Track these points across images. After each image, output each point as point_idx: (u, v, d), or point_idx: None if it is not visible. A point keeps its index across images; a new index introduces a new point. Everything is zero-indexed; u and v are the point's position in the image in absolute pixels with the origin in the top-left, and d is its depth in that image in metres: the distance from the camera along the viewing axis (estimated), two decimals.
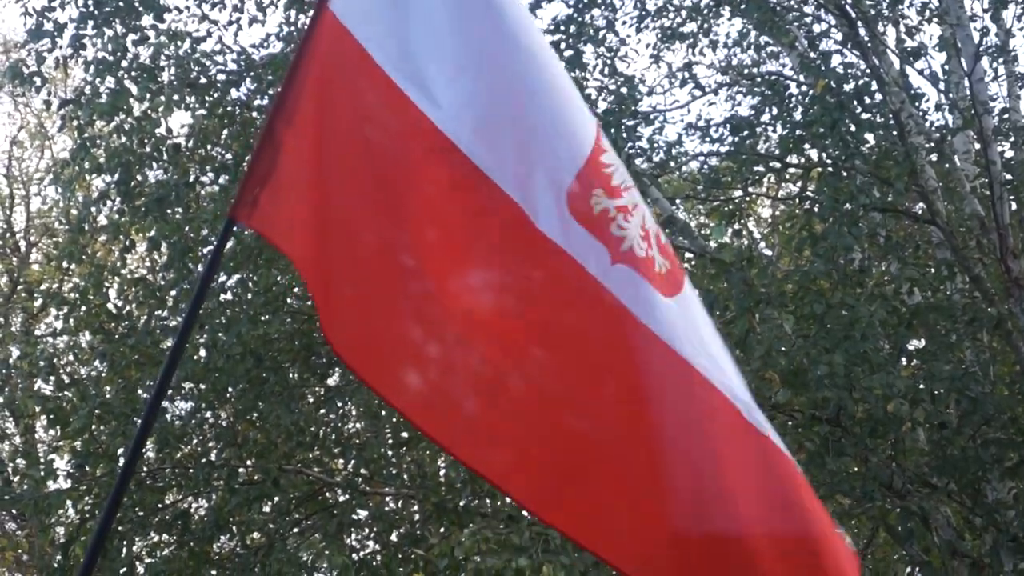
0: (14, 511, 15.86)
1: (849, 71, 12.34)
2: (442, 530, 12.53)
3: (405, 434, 13.05)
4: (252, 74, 13.27)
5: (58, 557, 12.99)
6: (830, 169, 11.83)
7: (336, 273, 3.90)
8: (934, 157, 12.96)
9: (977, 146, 12.85)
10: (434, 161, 4.00)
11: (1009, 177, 12.43)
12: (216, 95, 13.15)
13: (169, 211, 12.54)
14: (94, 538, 4.35)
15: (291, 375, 12.85)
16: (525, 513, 11.37)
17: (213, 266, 4.35)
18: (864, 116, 11.77)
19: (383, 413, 13.17)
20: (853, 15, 12.32)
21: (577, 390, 3.93)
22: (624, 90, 12.66)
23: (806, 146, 12.61)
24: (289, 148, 3.94)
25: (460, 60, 4.12)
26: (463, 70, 4.11)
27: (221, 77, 13.32)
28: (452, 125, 4.01)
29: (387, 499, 13.71)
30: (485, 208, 3.98)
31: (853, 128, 11.55)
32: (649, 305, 3.93)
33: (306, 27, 4.12)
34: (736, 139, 13.27)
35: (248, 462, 12.62)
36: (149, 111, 12.76)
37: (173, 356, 4.21)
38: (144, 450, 12.33)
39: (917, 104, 12.80)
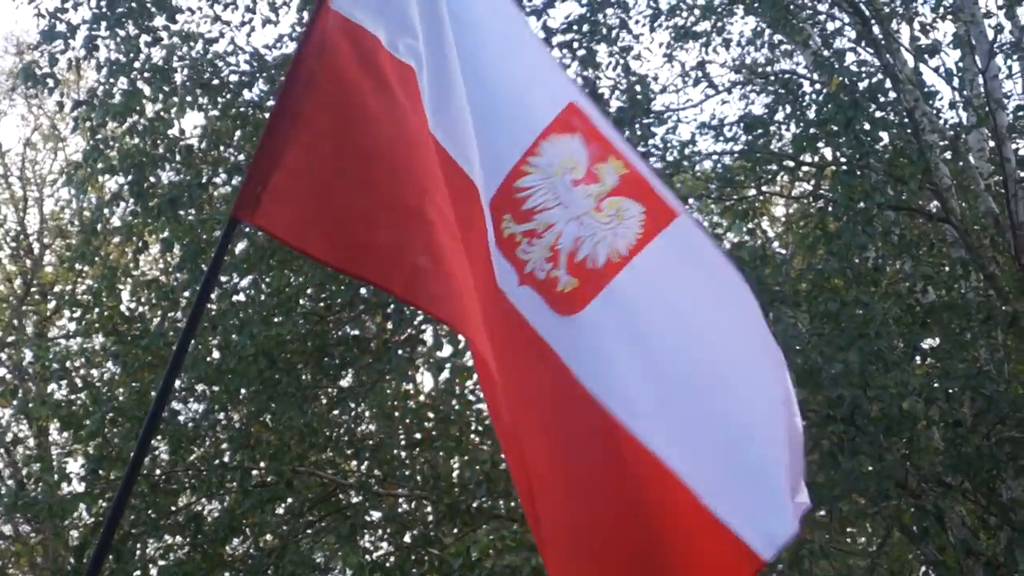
0: (28, 514, 15.85)
1: (863, 69, 12.30)
2: (455, 531, 12.51)
3: (418, 435, 13.05)
4: (265, 75, 13.26)
5: (71, 560, 12.99)
6: (844, 168, 11.79)
7: (362, 251, 3.93)
8: (948, 155, 12.92)
9: (991, 144, 12.81)
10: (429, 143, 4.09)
11: (1023, 175, 12.38)
12: (228, 96, 13.14)
13: (182, 212, 12.54)
14: (101, 538, 4.35)
15: (304, 376, 12.82)
16: None
17: (216, 266, 4.34)
18: (878, 114, 11.73)
19: (396, 414, 13.17)
20: (867, 13, 12.29)
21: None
22: (637, 89, 12.61)
23: (820, 145, 12.57)
24: (294, 145, 3.94)
25: (434, 61, 4.22)
26: (439, 71, 4.20)
27: (234, 78, 13.31)
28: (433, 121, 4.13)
29: (400, 500, 13.69)
30: (472, 215, 4.09)
31: (867, 126, 11.51)
32: (548, 323, 4.11)
33: (307, 23, 4.13)
34: (750, 138, 13.22)
35: (261, 464, 12.61)
36: (162, 112, 12.77)
37: (178, 354, 4.21)
38: (156, 452, 12.35)
39: (931, 102, 12.75)
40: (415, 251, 3.88)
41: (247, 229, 12.34)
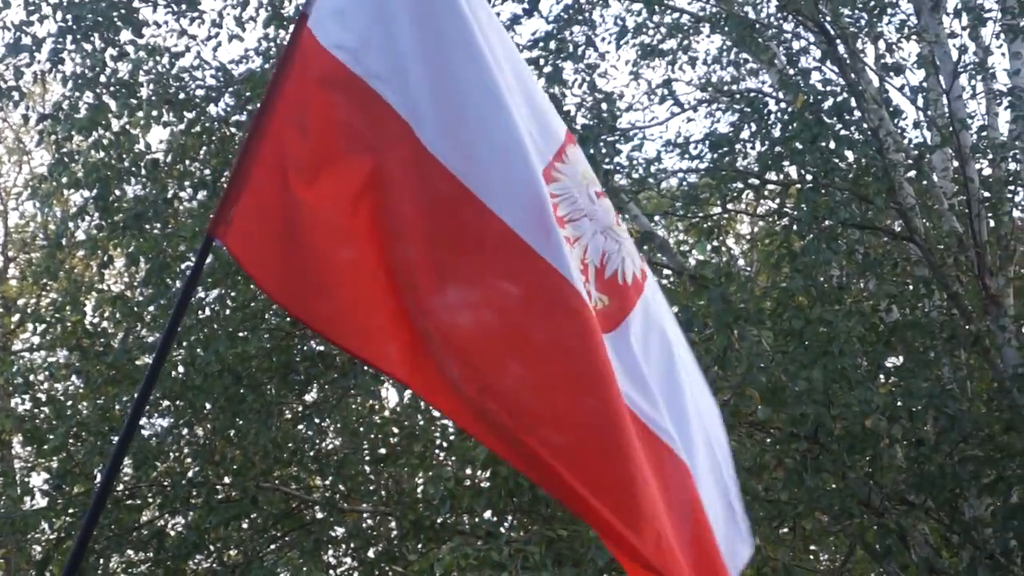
0: None
1: (828, 87, 12.35)
2: (420, 547, 12.49)
3: (383, 451, 13.03)
4: (231, 90, 13.24)
5: (33, 575, 12.93)
6: (809, 185, 11.83)
7: (311, 289, 3.92)
8: (912, 174, 12.98)
9: (955, 163, 12.87)
10: (413, 175, 4.02)
11: (987, 194, 12.45)
12: (195, 111, 13.11)
13: (147, 227, 12.51)
14: (72, 556, 4.33)
15: (269, 392, 12.80)
16: (503, 530, 11.39)
17: (192, 284, 4.33)
18: (843, 132, 11.78)
19: (361, 430, 13.15)
20: (832, 32, 12.34)
21: (556, 403, 3.94)
22: (603, 106, 12.64)
23: (785, 163, 12.62)
24: (264, 167, 3.94)
25: (436, 77, 4.13)
26: (441, 84, 4.11)
27: (200, 93, 13.29)
28: (434, 139, 4.04)
29: (365, 516, 13.66)
30: (467, 223, 4.00)
31: (832, 144, 11.56)
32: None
33: (285, 45, 4.12)
34: (715, 156, 13.27)
35: (226, 479, 12.58)
36: (128, 126, 12.73)
37: (152, 374, 4.20)
38: (120, 467, 12.30)
39: (896, 121, 12.81)
40: (363, 310, 3.93)
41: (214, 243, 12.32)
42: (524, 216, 3.96)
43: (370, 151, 4.03)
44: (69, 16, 12.66)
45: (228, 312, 12.61)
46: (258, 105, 4.13)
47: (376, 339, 3.95)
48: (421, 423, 12.90)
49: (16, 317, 21.36)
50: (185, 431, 12.97)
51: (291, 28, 4.22)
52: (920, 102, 13.06)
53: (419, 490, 13.10)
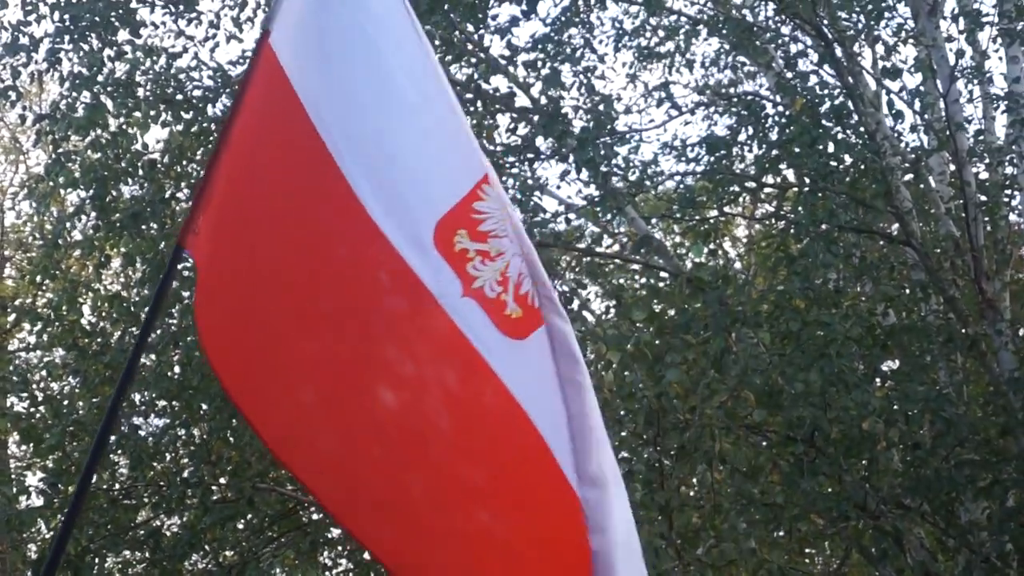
0: None
1: (825, 91, 12.37)
2: None
3: None
4: (228, 91, 13.24)
5: (29, 574, 12.92)
6: (807, 189, 11.84)
7: (230, 312, 3.98)
8: (909, 178, 12.99)
9: (952, 167, 12.89)
10: (340, 217, 4.14)
11: (983, 198, 12.46)
12: (192, 111, 13.11)
13: (144, 227, 12.51)
14: (52, 550, 4.34)
15: None
16: None
17: (162, 292, 4.34)
18: (841, 136, 11.80)
19: None
20: (830, 35, 12.35)
21: (427, 420, 4.05)
22: (601, 109, 12.66)
23: (782, 166, 12.63)
24: (229, 178, 3.97)
25: (359, 97, 4.27)
26: (362, 108, 4.25)
27: (197, 93, 13.29)
28: (350, 167, 4.15)
29: None
30: (368, 258, 4.11)
31: (831, 147, 11.58)
32: (491, 341, 4.11)
33: (250, 58, 4.17)
34: (712, 159, 13.28)
35: (222, 480, 12.56)
36: (125, 127, 12.73)
37: (126, 374, 4.22)
38: (116, 467, 12.29)
39: (895, 125, 12.83)
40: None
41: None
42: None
43: (306, 184, 4.13)
44: (66, 16, 12.66)
45: None
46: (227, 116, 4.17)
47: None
48: None
49: (12, 316, 21.40)
50: (181, 431, 12.96)
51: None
52: (917, 106, 13.07)
53: None
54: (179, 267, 11.93)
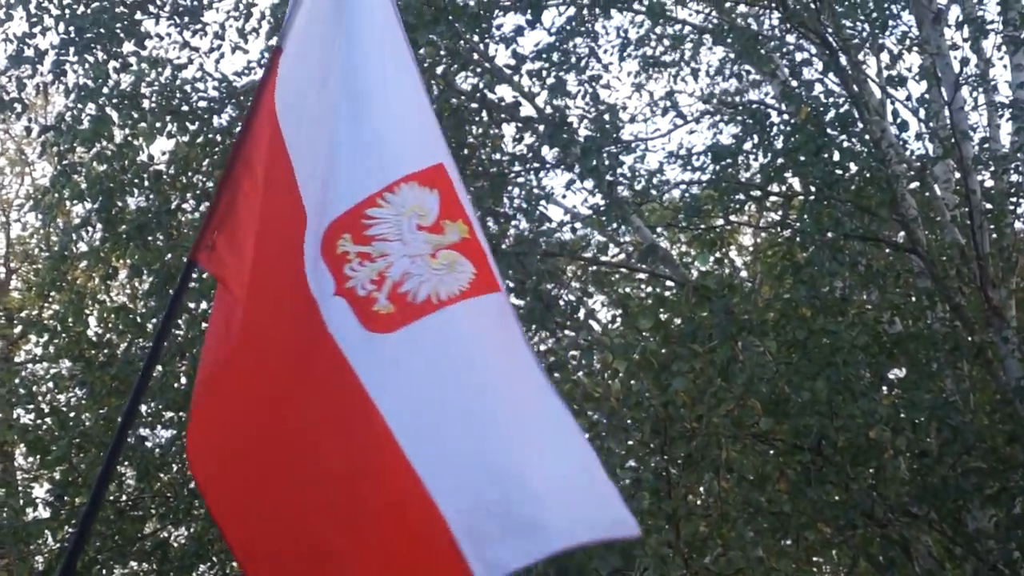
0: None
1: (831, 99, 12.36)
2: None
3: None
4: (233, 102, 13.27)
5: None
6: (812, 197, 11.83)
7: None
8: (915, 186, 12.99)
9: (957, 175, 12.87)
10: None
11: (989, 206, 12.45)
12: (197, 123, 13.13)
13: (150, 238, 12.52)
14: (63, 565, 4.36)
15: None
16: None
17: (174, 308, 4.40)
18: (846, 144, 11.79)
19: None
20: (834, 44, 12.35)
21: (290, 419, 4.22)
22: (606, 118, 12.66)
23: (787, 175, 12.63)
24: (245, 192, 4.00)
25: (313, 95, 4.46)
26: (314, 105, 4.45)
27: (202, 104, 13.31)
28: (298, 167, 4.37)
29: None
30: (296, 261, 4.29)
31: (837, 156, 11.58)
32: (352, 336, 4.25)
33: (264, 71, 4.23)
34: (717, 167, 13.27)
35: None
36: (130, 138, 12.75)
37: (139, 386, 4.25)
38: (123, 478, 12.30)
39: (901, 134, 12.83)
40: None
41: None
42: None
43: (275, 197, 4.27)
44: (71, 28, 12.68)
45: None
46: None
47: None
48: None
49: (19, 328, 21.42)
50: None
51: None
52: (922, 114, 13.07)
53: None
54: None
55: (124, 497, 12.58)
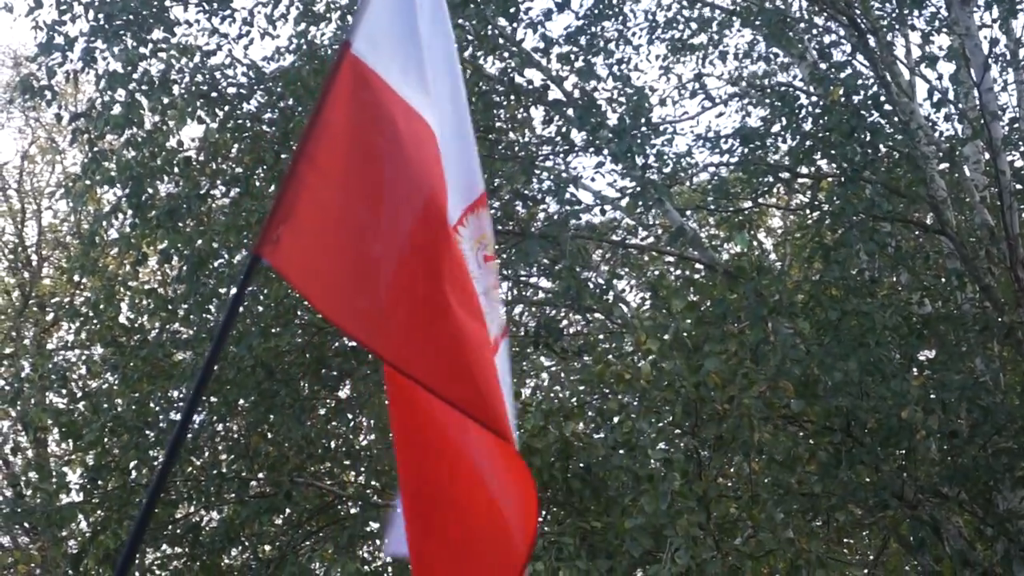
0: (27, 524, 15.85)
1: (859, 81, 12.34)
2: None
3: None
4: (262, 87, 13.30)
5: (68, 571, 12.98)
6: (844, 178, 11.81)
7: (362, 313, 4.06)
8: (944, 167, 12.96)
9: (986, 156, 12.84)
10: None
11: (1019, 187, 12.42)
12: (227, 108, 13.17)
13: (180, 223, 12.57)
14: (124, 556, 4.40)
15: (302, 387, 12.85)
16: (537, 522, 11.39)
17: (236, 304, 4.43)
18: (877, 124, 11.77)
19: None
20: (863, 25, 12.33)
21: None
22: (635, 100, 12.65)
23: (816, 156, 12.61)
24: (311, 188, 4.02)
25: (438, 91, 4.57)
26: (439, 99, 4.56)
27: (232, 90, 13.35)
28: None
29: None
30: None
31: (869, 136, 11.55)
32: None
33: (331, 68, 4.24)
34: (746, 150, 13.27)
35: (259, 474, 12.63)
36: (160, 124, 12.80)
37: (202, 376, 4.27)
38: (155, 462, 12.36)
39: (932, 113, 12.81)
40: (394, 313, 4.07)
41: (245, 241, 12.41)
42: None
43: (398, 170, 4.26)
44: (101, 15, 12.71)
45: (260, 308, 12.65)
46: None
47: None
48: None
49: (51, 315, 21.54)
50: (219, 426, 13.03)
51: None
52: (951, 95, 13.03)
53: None
54: (215, 266, 11.99)
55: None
